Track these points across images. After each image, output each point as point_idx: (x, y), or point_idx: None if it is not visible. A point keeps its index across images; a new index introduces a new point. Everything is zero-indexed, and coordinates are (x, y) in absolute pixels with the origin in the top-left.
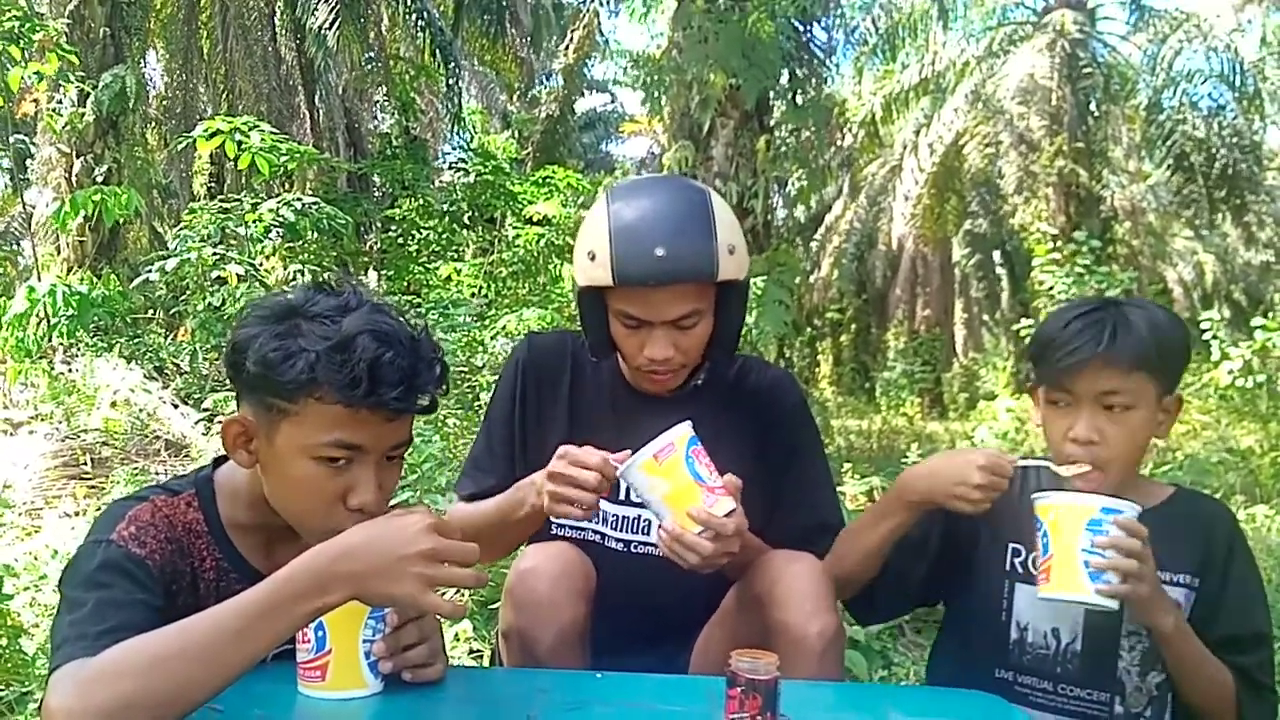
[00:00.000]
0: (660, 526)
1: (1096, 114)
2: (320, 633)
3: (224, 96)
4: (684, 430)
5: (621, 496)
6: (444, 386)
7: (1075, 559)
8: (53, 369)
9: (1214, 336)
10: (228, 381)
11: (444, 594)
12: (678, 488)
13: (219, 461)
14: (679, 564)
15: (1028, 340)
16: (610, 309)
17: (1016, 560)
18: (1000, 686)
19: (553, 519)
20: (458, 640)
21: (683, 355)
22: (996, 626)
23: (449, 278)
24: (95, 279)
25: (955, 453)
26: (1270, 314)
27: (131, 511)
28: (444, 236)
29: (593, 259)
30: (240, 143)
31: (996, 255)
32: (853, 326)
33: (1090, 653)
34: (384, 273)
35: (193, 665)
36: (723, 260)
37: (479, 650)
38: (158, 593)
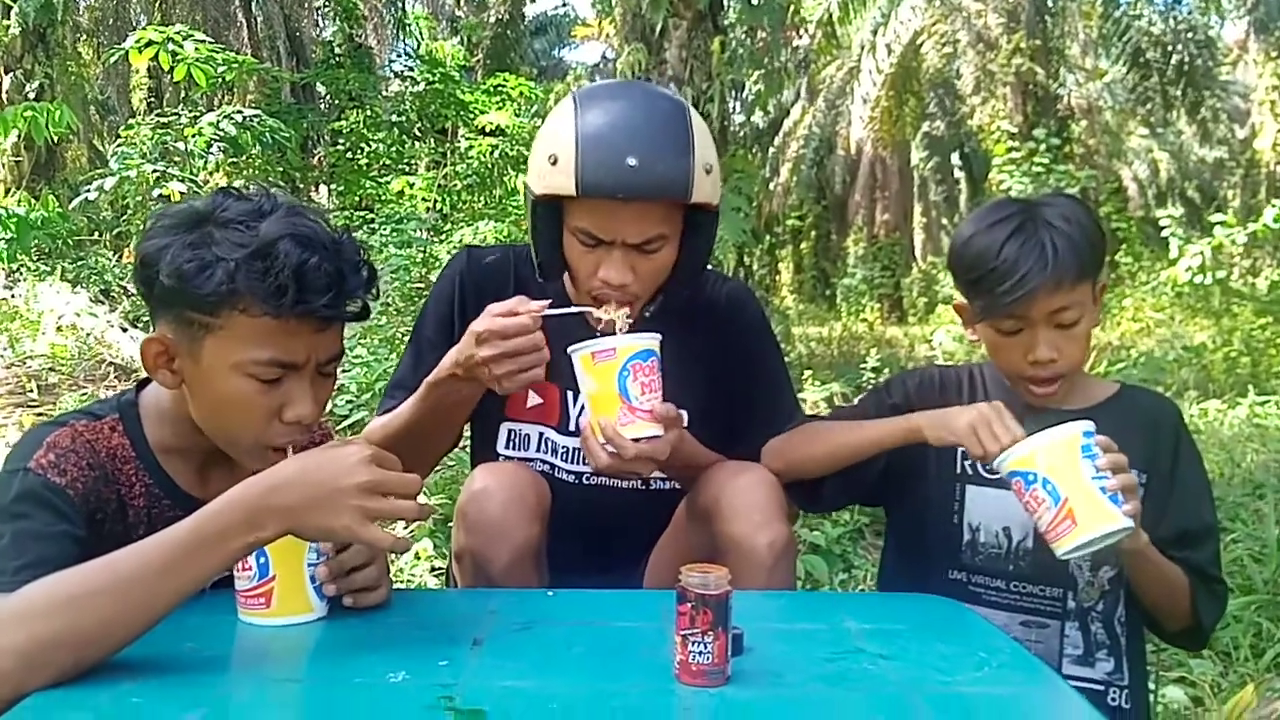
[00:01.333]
0: (581, 417)
1: (1053, 10)
2: (263, 559)
3: (157, 5)
4: (633, 342)
5: (571, 427)
6: (374, 290)
7: (1094, 490)
8: None
9: (1173, 234)
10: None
11: (391, 527)
12: (602, 393)
13: (144, 385)
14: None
15: (949, 260)
16: (567, 224)
17: (966, 462)
18: (953, 587)
19: (500, 450)
20: (418, 559)
21: (639, 283)
22: (949, 529)
23: (401, 192)
24: (33, 200)
25: (966, 408)
26: (1224, 210)
27: (50, 437)
28: (394, 149)
29: (554, 164)
30: (174, 53)
31: (955, 158)
32: (812, 233)
33: (1042, 549)
34: (334, 188)
35: (117, 603)
36: (698, 179)
37: (440, 569)
38: (80, 523)
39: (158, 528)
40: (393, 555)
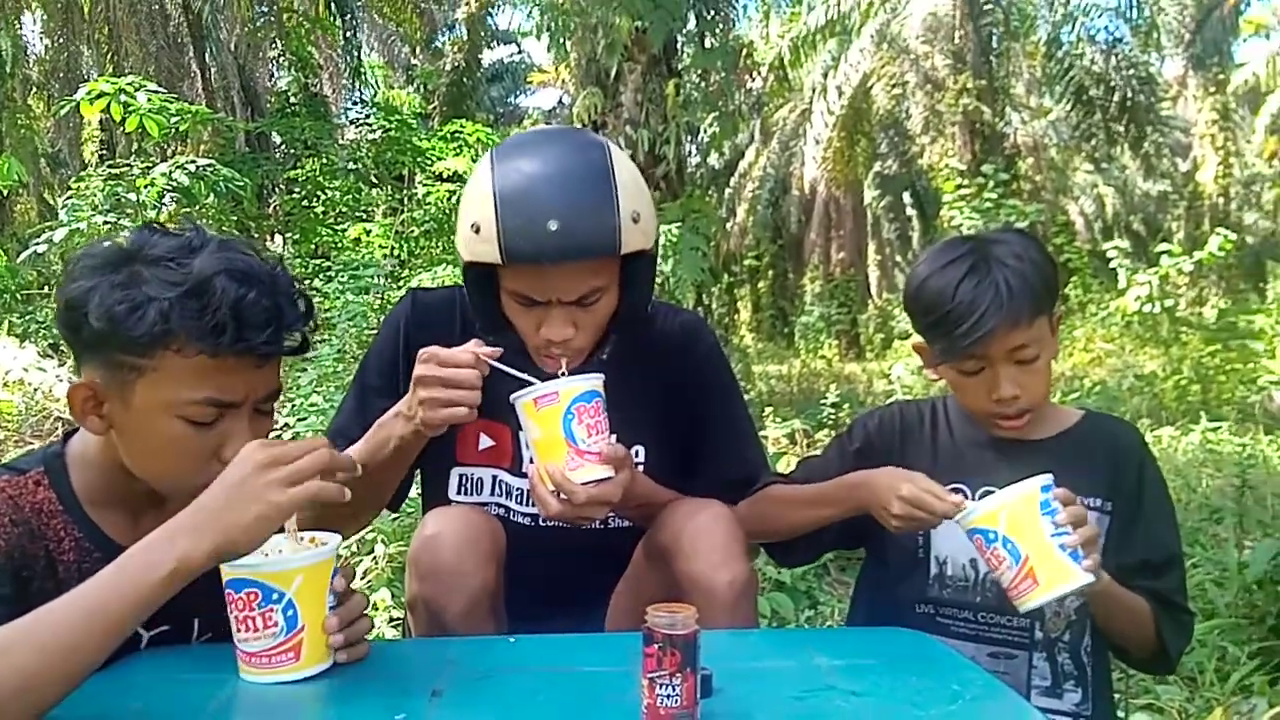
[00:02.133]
0: (528, 465)
1: (998, 51)
2: (290, 611)
3: (109, 58)
4: (576, 384)
5: (525, 469)
6: (312, 323)
7: (1053, 549)
8: None
9: (1120, 265)
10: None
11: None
12: (547, 439)
13: (70, 435)
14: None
15: (905, 301)
16: (502, 286)
17: None
18: (922, 620)
19: (452, 496)
20: (376, 609)
21: (584, 335)
22: (916, 563)
23: (358, 239)
24: None
25: (893, 473)
26: (1169, 242)
27: None
28: (350, 197)
29: (477, 232)
30: (127, 104)
31: (906, 196)
32: (770, 272)
33: None
34: (289, 236)
35: (39, 652)
36: (626, 231)
37: (399, 619)
38: (4, 581)
39: None
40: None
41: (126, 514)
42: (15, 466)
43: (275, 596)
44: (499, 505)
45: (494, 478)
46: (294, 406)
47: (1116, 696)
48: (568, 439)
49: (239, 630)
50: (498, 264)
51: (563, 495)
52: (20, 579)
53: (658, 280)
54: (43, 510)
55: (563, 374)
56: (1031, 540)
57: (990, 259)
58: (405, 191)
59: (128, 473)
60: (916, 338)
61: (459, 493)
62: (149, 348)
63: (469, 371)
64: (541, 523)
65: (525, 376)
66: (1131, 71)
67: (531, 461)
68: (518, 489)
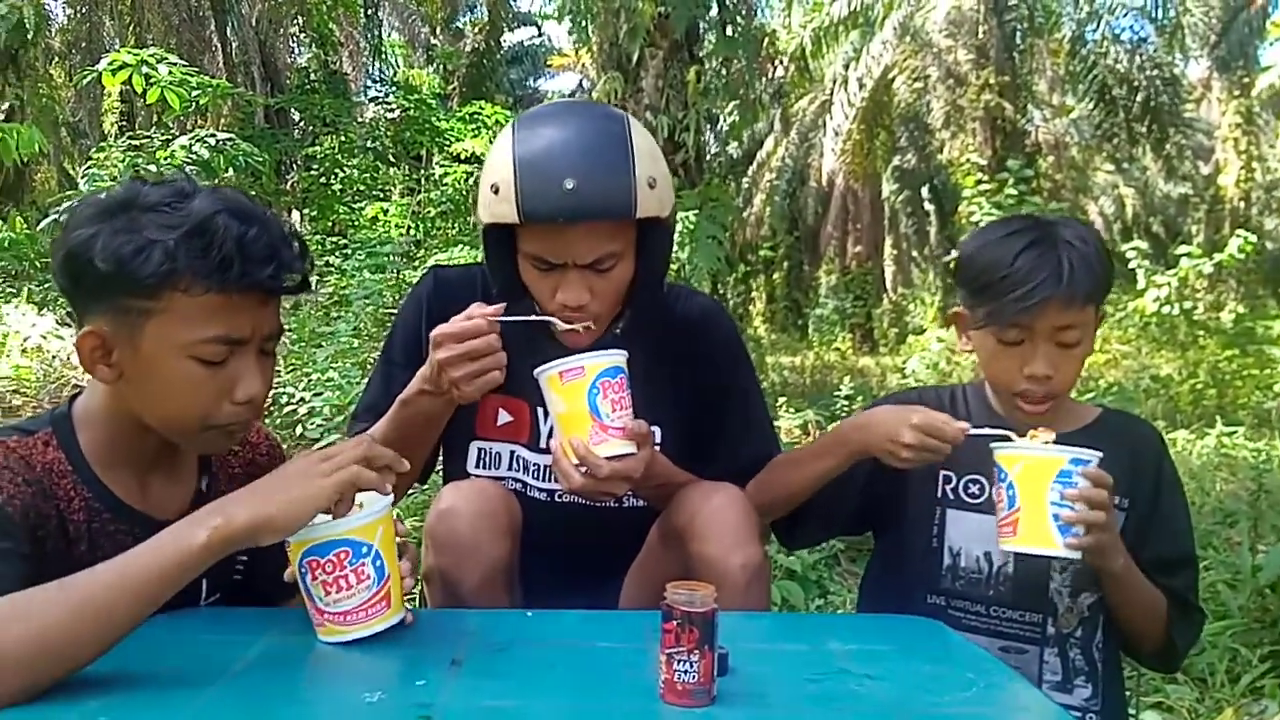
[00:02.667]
0: (551, 439)
1: (1021, 47)
2: (379, 562)
3: (131, 30)
4: (601, 360)
5: (542, 444)
6: (309, 263)
7: (1045, 513)
8: None
9: (1139, 266)
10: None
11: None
12: (571, 412)
13: (75, 398)
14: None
15: (958, 266)
16: (519, 250)
17: (948, 487)
18: (933, 612)
19: (471, 470)
20: None
21: (599, 302)
22: (928, 553)
23: (375, 218)
24: (1, 222)
25: (895, 408)
26: (1189, 245)
27: None
28: (368, 175)
29: (496, 193)
30: (148, 76)
31: (924, 191)
32: (785, 264)
33: (1022, 575)
34: (307, 213)
35: (74, 618)
36: (641, 195)
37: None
38: (23, 539)
39: (99, 543)
40: None
41: (134, 474)
42: (23, 427)
43: (364, 550)
44: (516, 480)
45: (512, 453)
46: (310, 382)
47: (1127, 694)
48: (592, 413)
49: (328, 593)
50: (515, 224)
51: (585, 469)
52: (36, 538)
53: (673, 267)
54: (52, 469)
55: (585, 328)
56: (1031, 496)
57: (1056, 237)
58: (423, 172)
59: (135, 430)
60: (957, 304)
61: (477, 466)
62: (156, 289)
63: (486, 339)
64: (558, 498)
65: (541, 317)
66: (1155, 72)
67: (553, 435)
68: (535, 464)
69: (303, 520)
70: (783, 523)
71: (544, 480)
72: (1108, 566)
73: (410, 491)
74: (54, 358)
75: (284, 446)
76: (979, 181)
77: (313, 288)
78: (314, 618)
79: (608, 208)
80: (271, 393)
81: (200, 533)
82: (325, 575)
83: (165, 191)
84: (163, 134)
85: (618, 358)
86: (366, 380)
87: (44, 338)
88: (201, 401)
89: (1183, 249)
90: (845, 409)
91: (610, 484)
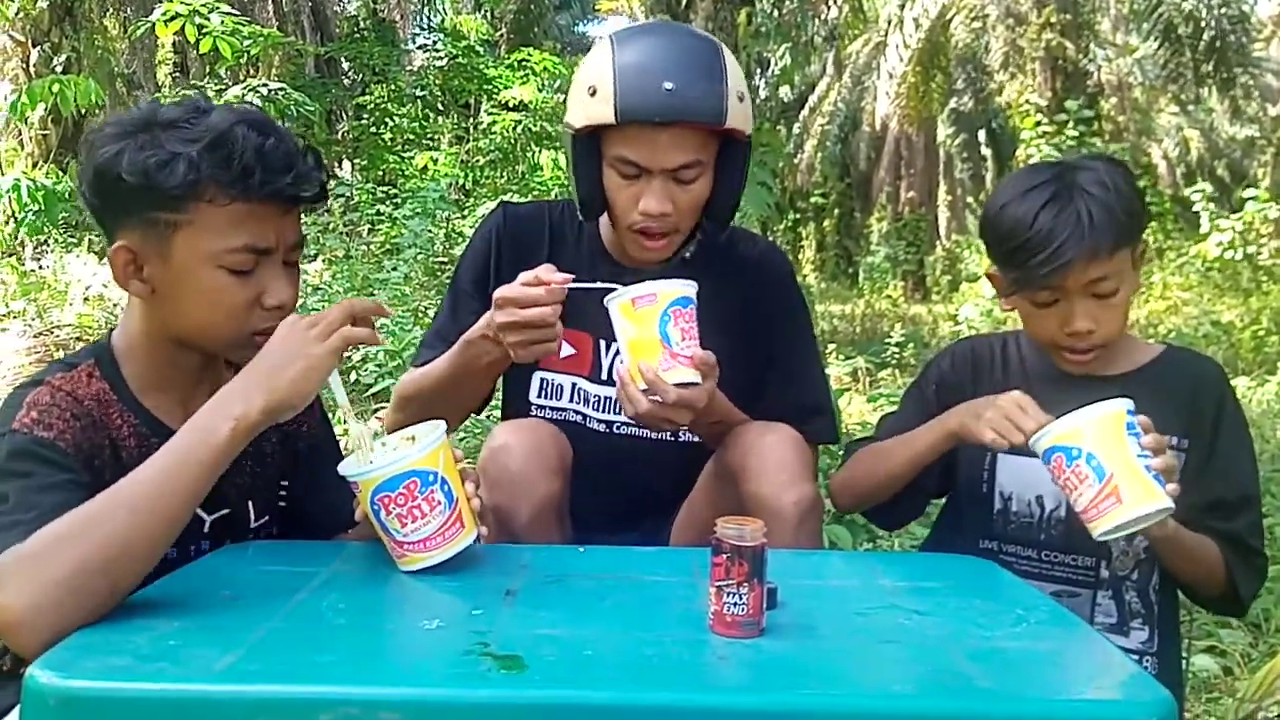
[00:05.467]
0: (618, 365)
1: None
2: (446, 487)
3: None
4: (674, 288)
5: (603, 376)
6: (325, 174)
7: (1140, 469)
8: (22, 265)
9: (1204, 208)
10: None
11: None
12: (642, 338)
13: (113, 331)
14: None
15: (981, 230)
16: (606, 156)
17: None
18: (985, 556)
19: (533, 399)
20: None
21: (678, 214)
22: (980, 499)
23: (425, 167)
24: (61, 173)
25: (988, 400)
26: (1255, 188)
27: (29, 397)
28: (417, 124)
29: (593, 94)
30: (201, 26)
31: (982, 135)
32: (835, 211)
33: (1074, 519)
34: (357, 162)
35: (133, 515)
36: (732, 106)
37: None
38: (79, 470)
39: None
40: None
41: (177, 398)
42: (66, 362)
43: (431, 478)
44: (576, 412)
45: (573, 385)
46: None
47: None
48: (663, 340)
49: (404, 525)
50: (609, 124)
51: (653, 395)
52: (92, 468)
53: (739, 201)
54: (100, 400)
55: (663, 239)
56: (1118, 458)
57: (1074, 187)
58: (471, 120)
59: (174, 351)
60: (990, 265)
61: (539, 395)
62: (183, 200)
63: (546, 309)
64: (616, 430)
65: (603, 285)
66: (1223, 10)
67: (620, 362)
68: (595, 396)
69: (313, 392)
70: (879, 510)
71: (603, 411)
72: (1163, 529)
73: (460, 436)
74: (115, 305)
75: None
76: (1038, 124)
77: (328, 197)
78: (393, 551)
79: (702, 111)
80: None
81: (223, 426)
82: (399, 508)
83: (183, 108)
84: (216, 84)
85: (688, 288)
86: (438, 310)
87: (105, 286)
88: (234, 309)
89: (1249, 192)
90: (896, 356)
91: (675, 411)
